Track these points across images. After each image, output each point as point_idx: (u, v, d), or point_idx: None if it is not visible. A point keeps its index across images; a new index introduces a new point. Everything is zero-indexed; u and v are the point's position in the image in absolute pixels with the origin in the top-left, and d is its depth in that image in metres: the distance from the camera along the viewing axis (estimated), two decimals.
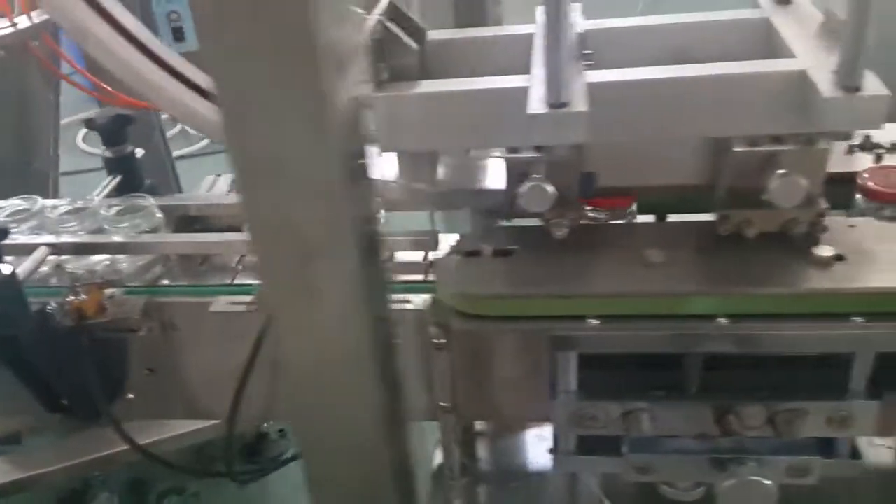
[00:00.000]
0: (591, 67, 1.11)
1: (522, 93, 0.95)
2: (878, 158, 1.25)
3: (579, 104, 0.92)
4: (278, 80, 0.81)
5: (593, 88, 0.98)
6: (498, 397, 1.30)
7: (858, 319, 1.02)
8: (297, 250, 0.92)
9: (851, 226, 1.12)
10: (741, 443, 1.08)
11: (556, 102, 0.92)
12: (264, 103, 0.83)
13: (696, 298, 1.04)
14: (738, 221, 1.09)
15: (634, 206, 1.24)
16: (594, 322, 1.06)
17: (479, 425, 1.53)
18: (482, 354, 1.26)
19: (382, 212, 1.04)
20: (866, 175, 1.17)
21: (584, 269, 1.09)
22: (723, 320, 1.04)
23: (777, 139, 1.05)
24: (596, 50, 1.17)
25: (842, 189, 1.22)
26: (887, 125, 1.06)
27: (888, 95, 0.88)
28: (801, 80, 0.94)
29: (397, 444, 1.14)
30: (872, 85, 0.90)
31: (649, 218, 1.29)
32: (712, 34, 1.18)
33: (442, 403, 1.31)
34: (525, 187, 1.03)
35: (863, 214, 1.18)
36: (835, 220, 1.13)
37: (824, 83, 0.91)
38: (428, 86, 1.03)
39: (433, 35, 1.18)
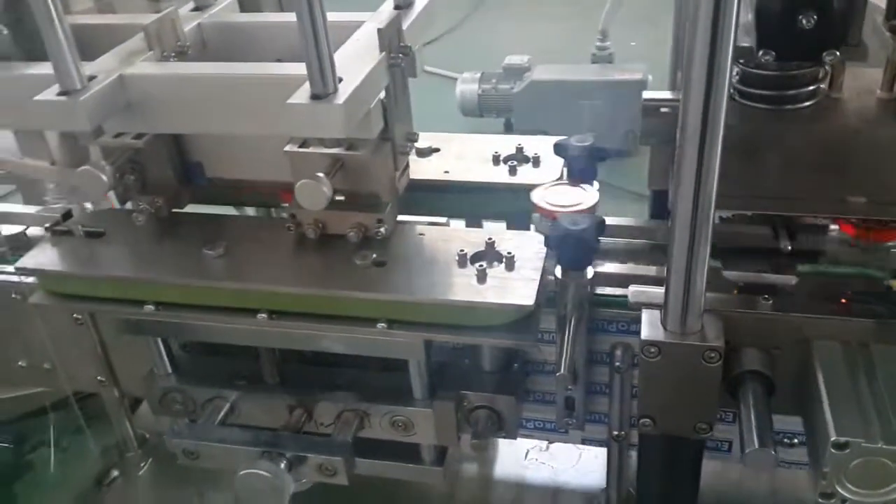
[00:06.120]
0: (185, 59, 1.22)
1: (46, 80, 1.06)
2: (513, 171, 1.31)
3: (84, 94, 1.03)
4: None
5: (136, 80, 1.09)
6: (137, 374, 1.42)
7: (382, 325, 1.09)
8: None
9: (421, 234, 1.18)
10: (280, 439, 1.16)
11: (63, 91, 1.03)
12: None
13: (237, 292, 1.12)
14: (306, 221, 1.17)
15: None
16: (150, 307, 1.16)
17: None
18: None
19: None
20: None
21: (153, 257, 1.18)
22: (263, 315, 1.12)
23: (328, 143, 1.13)
24: (216, 44, 1.28)
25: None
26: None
27: (342, 105, 0.95)
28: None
29: None
30: (341, 95, 0.96)
31: None
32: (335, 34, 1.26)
33: (99, 378, 1.44)
34: (78, 171, 1.14)
35: None
36: (410, 227, 1.20)
37: (301, 90, 0.98)
38: None
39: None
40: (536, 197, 1.12)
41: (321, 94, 0.97)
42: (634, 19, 3.37)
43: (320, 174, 1.08)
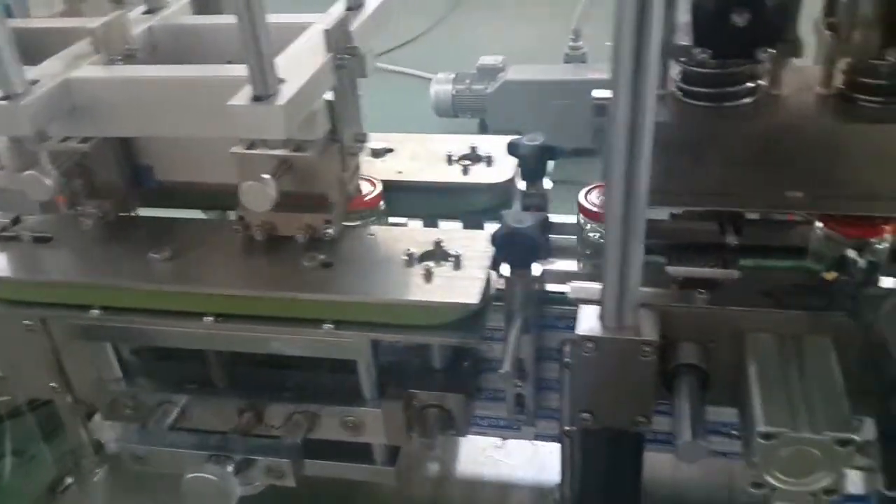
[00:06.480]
0: (134, 62, 1.24)
1: None
2: (466, 171, 1.33)
3: (26, 98, 1.04)
4: None
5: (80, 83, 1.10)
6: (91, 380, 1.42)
7: (328, 326, 1.11)
8: None
9: (371, 235, 1.20)
10: (227, 441, 1.18)
11: (5, 95, 1.04)
12: None
13: (182, 295, 1.14)
14: (254, 223, 1.18)
15: None
16: (96, 312, 1.17)
17: None
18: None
19: None
20: None
21: (99, 261, 1.19)
22: (209, 318, 1.14)
23: (274, 144, 1.14)
24: (167, 46, 1.30)
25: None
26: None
27: (282, 107, 0.97)
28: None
29: None
30: (282, 96, 0.98)
31: None
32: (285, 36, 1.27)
33: (52, 384, 1.45)
34: (23, 176, 1.15)
35: None
36: (361, 228, 1.22)
37: (242, 91, 1.00)
38: None
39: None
40: (581, 198, 1.14)
41: (262, 96, 0.98)
42: (609, 19, 3.39)
43: (266, 176, 1.10)
